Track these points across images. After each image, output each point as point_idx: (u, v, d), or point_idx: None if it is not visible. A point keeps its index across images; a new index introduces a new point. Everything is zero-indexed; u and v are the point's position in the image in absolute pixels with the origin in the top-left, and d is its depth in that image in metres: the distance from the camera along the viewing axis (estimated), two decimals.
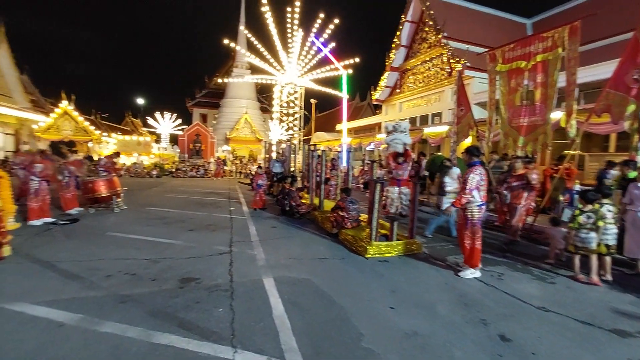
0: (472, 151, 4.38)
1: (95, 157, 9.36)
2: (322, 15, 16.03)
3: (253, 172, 18.44)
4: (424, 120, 18.32)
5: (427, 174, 11.69)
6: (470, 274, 4.20)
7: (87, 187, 7.26)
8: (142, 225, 6.47)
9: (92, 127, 19.69)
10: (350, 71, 16.26)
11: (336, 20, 16.08)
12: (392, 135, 5.40)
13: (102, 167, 8.35)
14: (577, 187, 7.19)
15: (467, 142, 9.54)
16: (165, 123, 26.17)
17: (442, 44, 15.72)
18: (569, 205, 6.50)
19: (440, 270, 4.47)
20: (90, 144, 19.56)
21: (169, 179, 17.93)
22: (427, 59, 17.84)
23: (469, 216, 4.24)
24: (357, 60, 16.62)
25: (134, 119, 37.08)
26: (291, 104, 19.74)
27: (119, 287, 3.54)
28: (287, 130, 20.33)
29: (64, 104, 19.02)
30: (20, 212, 6.07)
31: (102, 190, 7.34)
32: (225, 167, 21.81)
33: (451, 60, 15.23)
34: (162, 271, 4.06)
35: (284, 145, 14.54)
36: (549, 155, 9.68)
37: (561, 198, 6.85)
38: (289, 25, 16.82)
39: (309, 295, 3.51)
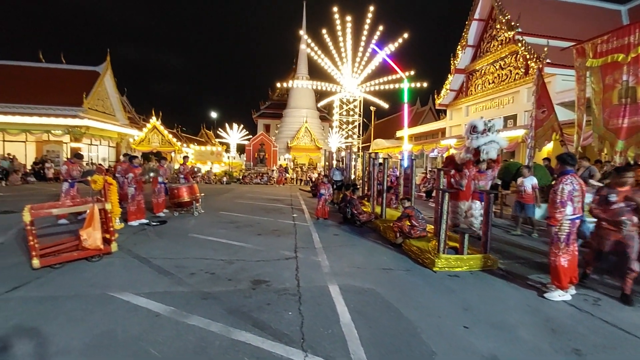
0: (565, 159, 3.85)
1: (176, 166, 10.57)
2: (382, 25, 16.01)
3: (313, 179, 18.99)
4: None
5: (499, 182, 10.77)
6: (558, 296, 3.74)
7: (173, 192, 8.23)
8: (217, 228, 7.09)
9: (174, 139, 22.30)
10: (414, 85, 15.82)
11: (405, 35, 15.85)
12: (485, 137, 4.76)
13: (182, 174, 9.44)
14: None
15: (549, 147, 8.57)
16: (234, 134, 28.36)
17: (516, 41, 14.41)
18: None
19: (521, 290, 4.06)
20: (172, 154, 22.12)
21: (237, 186, 19.35)
22: (498, 58, 16.51)
23: (556, 229, 3.78)
24: (415, 70, 16.17)
25: (208, 131, 40.93)
26: (350, 112, 19.89)
27: (201, 284, 3.94)
28: (346, 138, 20.49)
29: (153, 120, 21.90)
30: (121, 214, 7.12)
31: (185, 196, 8.25)
32: (287, 175, 22.76)
33: (528, 58, 13.86)
34: (236, 272, 4.39)
35: (343, 153, 14.68)
36: None
37: None
38: (343, 35, 17.08)
39: (375, 306, 3.48)
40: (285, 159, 27.30)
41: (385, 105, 17.99)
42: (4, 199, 10.46)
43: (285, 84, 23.52)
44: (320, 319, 3.14)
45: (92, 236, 4.43)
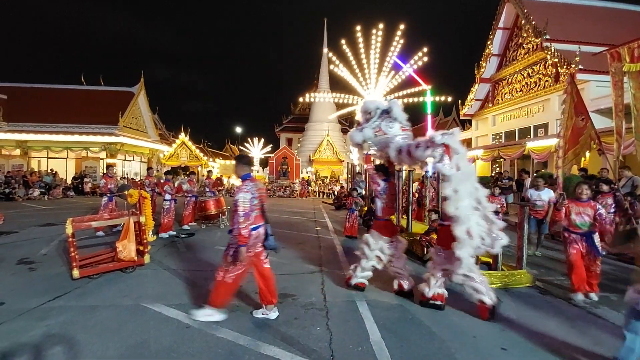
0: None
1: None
2: (402, 30, 16.01)
3: (336, 192, 18.94)
4: (523, 133, 16.29)
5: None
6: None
7: (201, 205, 8.49)
8: None
9: (201, 154, 23.13)
10: (437, 99, 15.68)
11: (425, 49, 15.83)
12: (370, 124, 3.73)
13: (209, 187, 9.75)
14: None
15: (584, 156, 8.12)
16: (257, 148, 29.03)
17: (545, 48, 13.97)
18: None
19: (562, 309, 3.80)
20: (199, 168, 22.89)
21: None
22: (526, 66, 16.04)
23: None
24: (436, 81, 16.04)
25: (232, 146, 42.14)
26: None
27: None
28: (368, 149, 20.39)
29: (182, 136, 22.89)
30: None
31: (212, 208, 8.47)
32: (309, 187, 22.86)
33: (558, 64, 13.38)
34: None
35: (365, 166, 14.60)
36: None
37: None
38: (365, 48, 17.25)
39: (404, 323, 3.36)
40: (307, 172, 27.51)
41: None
42: (46, 212, 11.17)
43: (307, 95, 23.91)
44: (349, 335, 3.07)
45: (127, 248, 4.62)
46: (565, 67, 12.72)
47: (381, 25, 15.86)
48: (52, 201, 15.11)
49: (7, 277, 4.53)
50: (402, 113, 3.93)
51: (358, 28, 15.80)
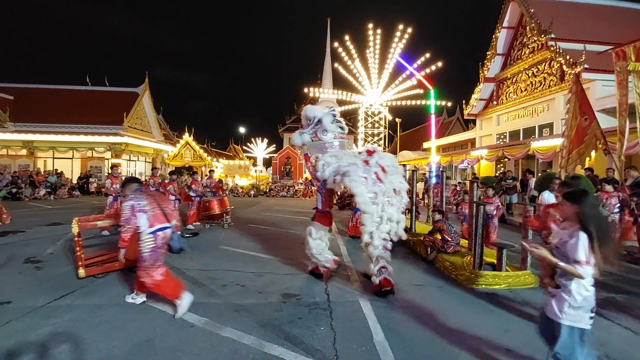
0: None
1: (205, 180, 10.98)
2: (404, 31, 16.05)
3: (339, 192, 18.93)
4: (528, 133, 16.18)
5: (537, 194, 10.23)
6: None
7: (205, 205, 8.52)
8: (245, 240, 7.21)
9: (205, 154, 23.22)
10: (439, 103, 15.80)
11: (432, 57, 15.96)
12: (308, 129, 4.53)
13: (210, 188, 9.80)
14: None
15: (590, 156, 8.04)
16: (260, 148, 29.11)
17: (549, 47, 13.87)
18: None
19: None
20: (203, 168, 22.98)
21: (264, 199, 19.67)
22: (531, 65, 15.93)
23: None
24: (439, 82, 16.11)
25: (236, 146, 42.25)
26: (375, 124, 19.85)
27: (232, 296, 4.00)
28: None
29: (186, 136, 23.00)
30: None
31: (216, 208, 8.50)
32: (313, 187, 22.88)
33: (562, 63, 13.27)
34: (266, 285, 4.43)
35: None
36: None
37: None
38: (371, 47, 17.25)
39: (408, 324, 3.36)
40: None
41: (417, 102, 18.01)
42: (52, 212, 11.28)
43: (312, 89, 23.83)
44: (353, 335, 3.08)
45: (132, 247, 4.64)
46: (570, 66, 12.62)
47: (410, 30, 15.95)
48: (58, 201, 15.25)
49: (15, 275, 4.58)
50: (332, 125, 4.51)
51: (370, 25, 15.85)
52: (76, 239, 4.36)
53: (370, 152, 4.27)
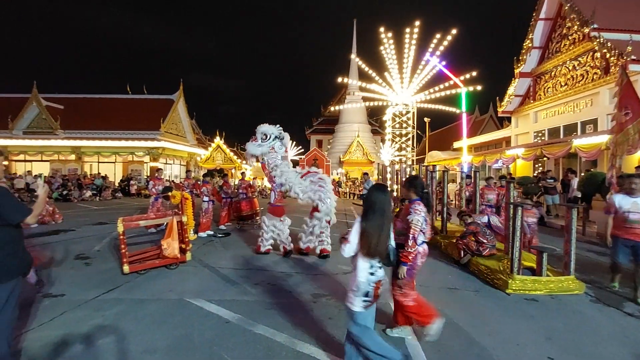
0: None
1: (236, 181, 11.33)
2: (435, 34, 15.75)
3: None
4: (569, 130, 15.18)
5: (579, 195, 9.59)
6: None
7: (236, 206, 8.80)
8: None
9: (235, 157, 23.96)
10: (470, 88, 15.28)
11: (453, 31, 15.53)
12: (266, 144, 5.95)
13: (241, 189, 10.09)
14: None
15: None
16: (288, 150, 29.53)
17: (592, 38, 12.95)
18: None
19: (615, 319, 3.52)
20: (233, 170, 23.72)
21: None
22: (572, 57, 14.96)
23: None
24: (475, 74, 15.59)
25: None
26: (404, 124, 19.50)
27: (264, 294, 4.11)
28: (399, 150, 20.03)
29: (217, 140, 23.87)
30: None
31: (247, 209, 8.76)
32: (340, 189, 22.86)
33: (608, 55, 12.34)
34: (296, 284, 4.50)
35: (397, 166, 14.34)
36: None
37: None
38: (401, 45, 17.02)
39: (442, 327, 3.28)
40: (338, 174, 27.53)
41: (448, 108, 17.69)
42: (98, 212, 12.14)
43: (337, 107, 24.18)
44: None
45: (171, 246, 4.92)
46: (616, 57, 11.71)
47: (417, 23, 15.72)
48: (103, 202, 16.37)
49: (67, 270, 4.99)
50: (283, 143, 6.29)
51: (410, 29, 15.72)
52: (121, 237, 4.67)
53: (304, 174, 6.61)
